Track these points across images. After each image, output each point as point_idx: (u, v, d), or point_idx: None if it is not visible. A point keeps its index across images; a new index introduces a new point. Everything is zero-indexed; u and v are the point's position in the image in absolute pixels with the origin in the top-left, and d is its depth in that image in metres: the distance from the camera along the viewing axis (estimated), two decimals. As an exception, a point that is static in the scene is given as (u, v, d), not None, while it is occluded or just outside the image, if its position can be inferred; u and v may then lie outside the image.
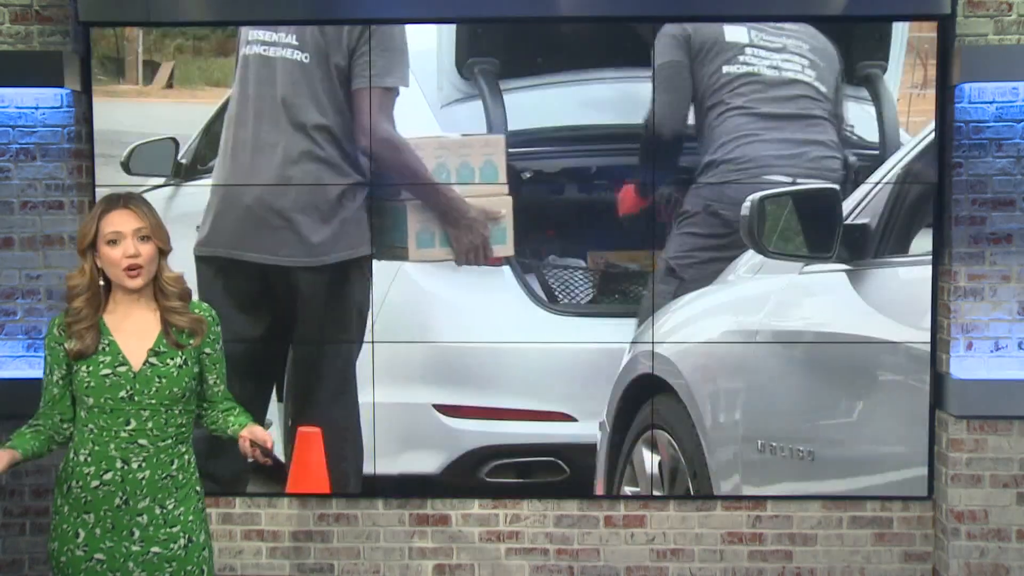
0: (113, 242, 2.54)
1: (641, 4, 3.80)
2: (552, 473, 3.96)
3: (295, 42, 3.80)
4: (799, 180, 3.81)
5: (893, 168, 3.81)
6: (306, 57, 3.80)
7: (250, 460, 2.64)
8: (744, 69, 3.80)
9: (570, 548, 4.00)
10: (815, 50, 3.81)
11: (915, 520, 3.94)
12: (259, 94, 3.83)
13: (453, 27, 3.85)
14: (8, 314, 3.84)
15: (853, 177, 3.81)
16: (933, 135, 3.80)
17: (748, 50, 3.80)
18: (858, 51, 3.83)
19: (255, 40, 3.82)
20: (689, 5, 3.81)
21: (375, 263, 3.89)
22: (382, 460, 3.96)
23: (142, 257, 2.55)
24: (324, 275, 3.89)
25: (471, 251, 3.83)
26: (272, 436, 2.67)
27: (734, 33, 3.81)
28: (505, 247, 3.87)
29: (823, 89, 3.81)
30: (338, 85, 3.82)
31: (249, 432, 2.63)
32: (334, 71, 3.81)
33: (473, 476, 3.96)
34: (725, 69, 3.80)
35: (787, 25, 3.80)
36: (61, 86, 3.70)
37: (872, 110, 3.82)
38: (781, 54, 3.80)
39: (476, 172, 3.81)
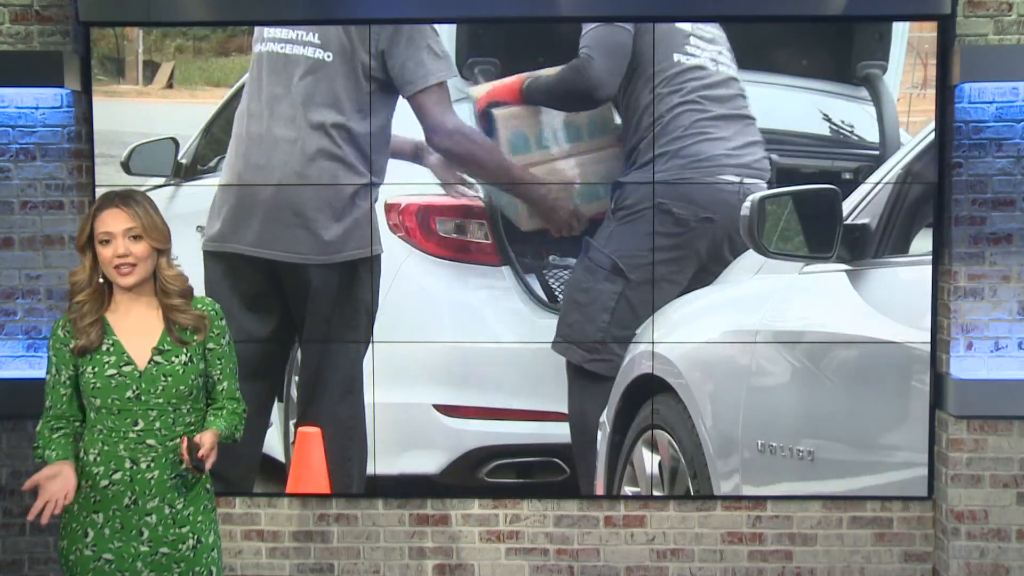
0: (105, 242, 2.54)
1: (641, 4, 3.80)
2: (552, 473, 3.96)
3: (317, 40, 3.80)
4: (746, 180, 3.80)
5: (893, 168, 3.82)
6: (328, 56, 3.80)
7: (180, 463, 2.57)
8: (693, 61, 3.79)
9: (570, 548, 4.00)
10: (722, 36, 3.81)
11: (915, 520, 3.95)
12: (276, 91, 3.83)
13: (453, 27, 3.85)
14: (8, 314, 3.84)
15: (775, 175, 3.81)
16: (933, 135, 3.80)
17: (692, 39, 3.79)
18: (858, 51, 3.83)
19: (273, 38, 3.81)
20: (689, 5, 3.81)
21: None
22: (382, 460, 3.96)
23: (132, 257, 2.54)
24: (335, 273, 3.89)
25: (565, 226, 3.79)
26: (210, 445, 2.52)
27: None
28: (602, 202, 3.83)
29: (742, 83, 3.80)
30: (362, 84, 3.81)
31: (199, 436, 2.55)
32: (359, 69, 3.80)
33: (473, 476, 3.96)
34: (676, 57, 3.79)
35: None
36: (61, 86, 3.70)
37: (872, 110, 3.83)
38: (714, 45, 3.78)
39: (584, 129, 3.76)
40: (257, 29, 3.84)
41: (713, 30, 3.79)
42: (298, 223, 3.86)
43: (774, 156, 3.81)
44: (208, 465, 2.53)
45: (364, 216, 3.87)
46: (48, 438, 2.60)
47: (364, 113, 3.83)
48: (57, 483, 2.45)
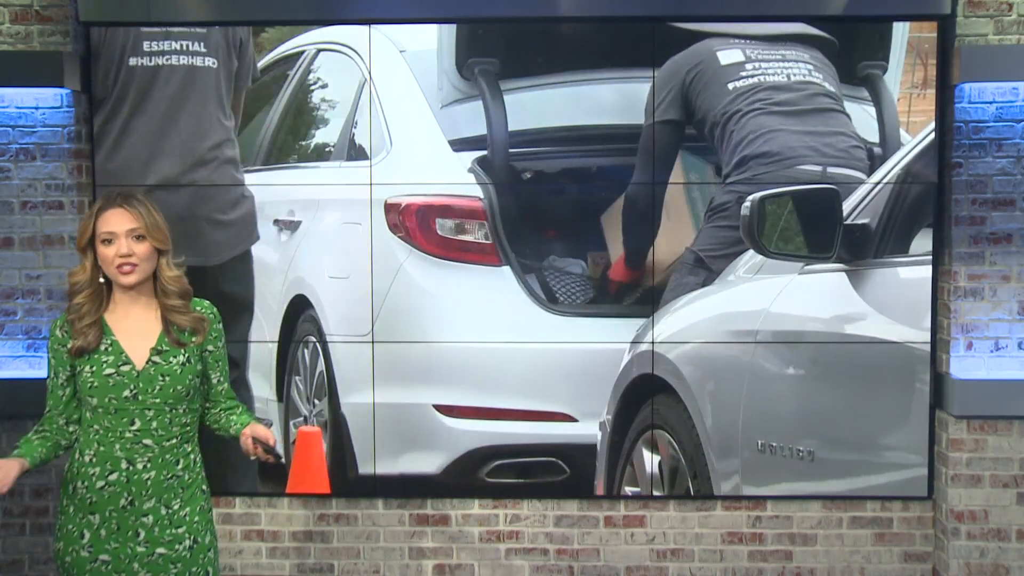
0: (108, 241, 2.55)
1: (641, 4, 3.80)
2: (552, 473, 3.96)
3: (203, 49, 3.87)
4: (829, 169, 3.80)
5: (893, 168, 3.82)
6: (214, 62, 3.87)
7: (252, 458, 2.64)
8: (751, 81, 3.81)
9: (570, 548, 4.00)
10: (815, 59, 3.82)
11: (915, 520, 3.95)
12: (167, 101, 3.87)
13: (453, 27, 3.85)
14: (8, 314, 3.84)
15: (878, 165, 3.81)
16: (933, 135, 3.80)
17: (748, 66, 3.81)
18: (858, 51, 3.83)
19: (155, 51, 3.86)
20: (689, 5, 3.81)
21: (376, 268, 3.91)
22: (382, 460, 3.96)
23: (135, 256, 2.56)
24: (223, 272, 3.93)
25: None
26: (273, 434, 2.66)
27: (728, 56, 3.83)
28: None
29: (832, 90, 3.82)
30: (232, 86, 3.90)
31: (251, 430, 2.63)
32: (232, 73, 3.90)
33: (473, 476, 3.96)
34: (731, 86, 3.81)
35: (782, 41, 3.81)
36: (61, 86, 3.70)
37: (872, 110, 3.83)
38: (783, 63, 3.81)
39: None
40: (126, 42, 3.86)
41: (784, 50, 3.81)
42: (201, 228, 3.91)
43: (876, 149, 3.81)
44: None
45: (248, 211, 3.92)
46: (27, 438, 2.62)
47: (237, 112, 3.91)
48: None
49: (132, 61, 3.88)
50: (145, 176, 3.89)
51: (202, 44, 3.88)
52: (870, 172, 3.81)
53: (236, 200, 3.93)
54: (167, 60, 3.87)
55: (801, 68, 3.81)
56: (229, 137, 3.91)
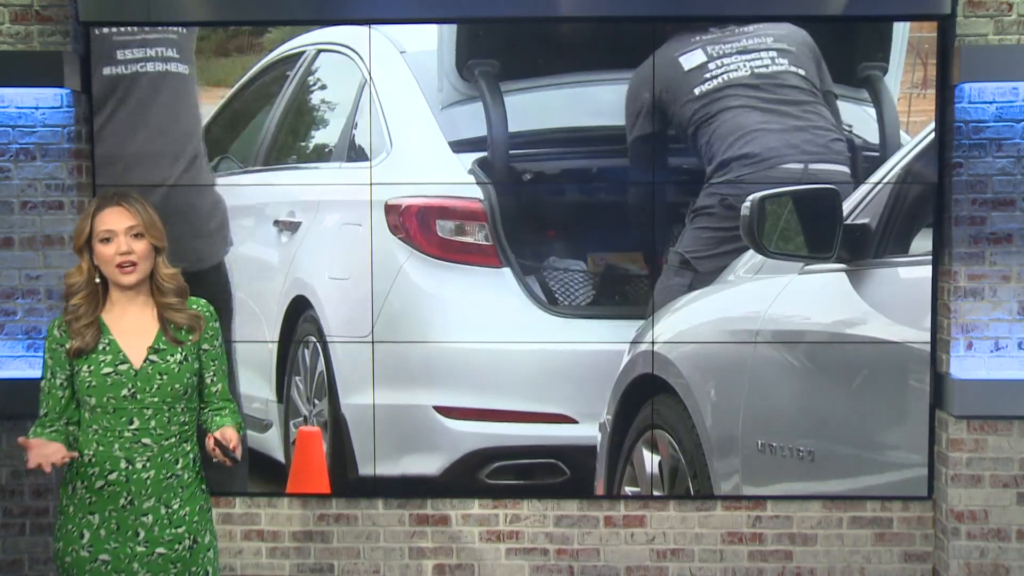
0: (106, 240, 2.55)
1: (641, 4, 3.80)
2: (552, 475, 3.96)
3: (176, 55, 3.88)
4: (811, 166, 3.81)
5: (893, 168, 3.82)
6: (186, 69, 3.88)
7: (214, 460, 2.60)
8: (718, 82, 3.81)
9: (570, 548, 4.00)
10: (782, 38, 3.81)
11: (915, 520, 3.95)
12: (146, 108, 3.88)
13: (453, 27, 3.85)
14: (8, 314, 3.84)
15: (860, 157, 3.81)
16: (933, 135, 3.80)
17: (710, 65, 3.81)
18: (858, 51, 3.83)
19: (129, 59, 3.87)
20: (689, 5, 3.81)
21: (372, 262, 3.91)
22: (382, 461, 3.96)
23: (135, 254, 2.56)
24: (209, 278, 3.93)
25: None
26: (237, 438, 2.61)
27: (690, 60, 3.83)
28: None
29: (803, 73, 3.81)
30: (200, 91, 3.92)
31: (220, 433, 2.59)
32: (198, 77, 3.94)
33: (473, 478, 3.96)
34: (698, 91, 3.81)
35: (744, 28, 3.81)
36: (61, 86, 3.70)
37: (872, 111, 3.83)
38: (745, 55, 3.80)
39: None
40: (105, 51, 3.86)
41: (743, 41, 3.80)
42: (191, 233, 3.91)
43: (856, 139, 3.80)
44: (239, 455, 2.58)
45: (225, 219, 3.93)
46: (40, 433, 2.60)
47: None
48: (50, 447, 2.46)
49: (115, 70, 3.88)
50: (144, 178, 3.89)
51: (174, 50, 3.88)
52: (852, 163, 3.81)
53: (213, 206, 3.92)
54: (143, 67, 3.87)
55: (763, 58, 3.80)
56: (202, 143, 3.92)
